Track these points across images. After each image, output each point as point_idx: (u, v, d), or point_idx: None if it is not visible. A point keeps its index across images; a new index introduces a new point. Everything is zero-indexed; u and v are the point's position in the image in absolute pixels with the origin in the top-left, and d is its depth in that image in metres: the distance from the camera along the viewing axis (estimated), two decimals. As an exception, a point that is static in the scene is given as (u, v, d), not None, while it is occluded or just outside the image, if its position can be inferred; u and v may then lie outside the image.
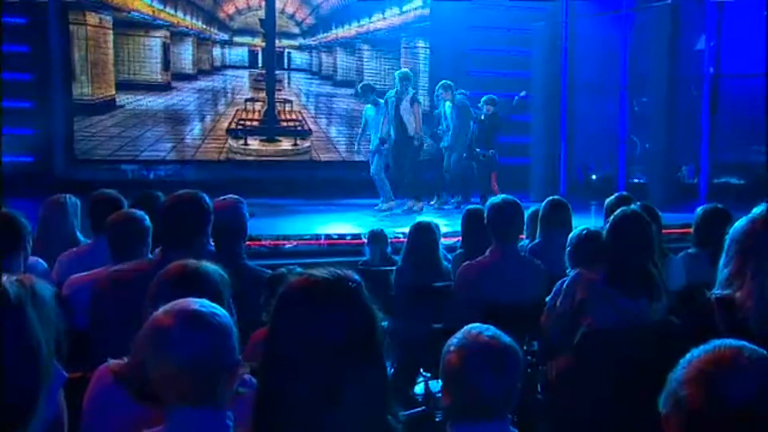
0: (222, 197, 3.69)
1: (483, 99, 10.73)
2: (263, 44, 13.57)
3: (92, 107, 12.40)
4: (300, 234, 8.41)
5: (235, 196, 3.75)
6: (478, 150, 10.80)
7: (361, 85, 11.24)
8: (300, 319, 1.61)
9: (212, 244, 3.52)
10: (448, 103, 10.88)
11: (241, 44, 13.47)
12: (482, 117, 10.69)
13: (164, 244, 3.13)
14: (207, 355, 1.69)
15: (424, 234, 4.94)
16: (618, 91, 12.97)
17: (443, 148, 11.11)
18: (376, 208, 10.78)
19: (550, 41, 13.15)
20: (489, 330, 1.94)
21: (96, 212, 4.25)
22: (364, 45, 14.21)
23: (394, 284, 4.84)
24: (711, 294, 2.50)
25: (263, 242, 7.94)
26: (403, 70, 11.36)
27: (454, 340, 1.93)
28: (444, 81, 11.26)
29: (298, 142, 13.79)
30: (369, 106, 10.93)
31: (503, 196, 4.28)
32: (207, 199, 3.23)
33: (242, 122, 13.48)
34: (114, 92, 12.55)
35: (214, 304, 1.79)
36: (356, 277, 1.66)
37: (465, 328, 1.96)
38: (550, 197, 5.25)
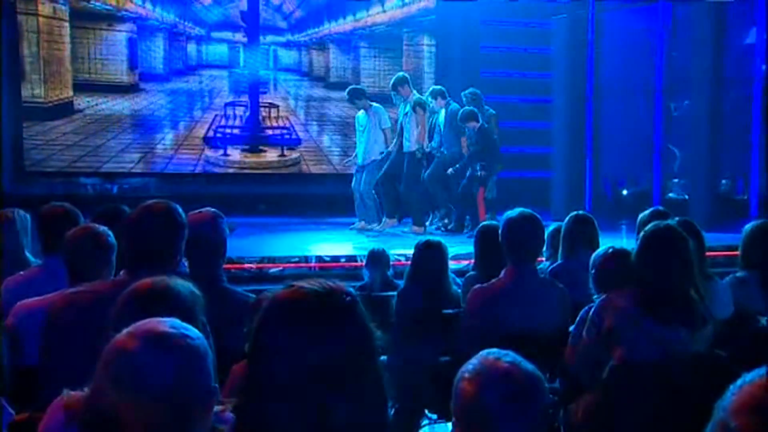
0: (197, 210, 3.70)
1: (460, 114, 10.61)
2: (245, 40, 13.64)
3: (46, 111, 12.40)
4: (287, 256, 8.42)
5: (213, 209, 3.75)
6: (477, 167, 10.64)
7: (349, 89, 11.23)
8: (287, 337, 1.60)
9: (185, 264, 3.52)
10: (442, 112, 10.83)
11: (220, 40, 13.53)
12: (470, 135, 10.52)
13: (131, 264, 3.12)
14: (178, 383, 1.67)
15: (431, 253, 4.95)
16: (653, 93, 13.00)
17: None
18: (351, 227, 10.82)
19: (573, 37, 13.21)
20: (509, 356, 1.93)
21: (48, 229, 4.20)
22: (361, 42, 14.27)
23: (395, 311, 4.84)
24: (765, 320, 2.48)
25: (246, 265, 7.96)
26: (399, 73, 11.40)
27: (468, 367, 1.91)
28: (434, 87, 11.26)
29: (286, 152, 13.82)
30: (360, 113, 10.98)
31: (520, 209, 4.26)
32: (181, 211, 3.23)
33: (221, 130, 13.51)
34: (71, 94, 12.58)
35: (185, 324, 1.78)
36: (350, 290, 1.66)
37: (481, 353, 1.95)
38: (574, 212, 5.26)
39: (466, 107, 10.61)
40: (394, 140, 10.73)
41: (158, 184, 12.67)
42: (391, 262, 6.00)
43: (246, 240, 9.28)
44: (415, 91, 10.74)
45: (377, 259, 5.83)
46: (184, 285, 2.21)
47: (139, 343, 1.68)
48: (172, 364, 1.67)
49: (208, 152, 13.38)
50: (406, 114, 10.58)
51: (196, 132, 13.33)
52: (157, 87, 13.08)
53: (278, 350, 1.60)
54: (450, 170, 10.54)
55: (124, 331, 1.74)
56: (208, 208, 3.75)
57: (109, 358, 1.70)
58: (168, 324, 1.74)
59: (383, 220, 10.72)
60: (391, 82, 10.88)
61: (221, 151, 13.48)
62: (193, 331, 1.76)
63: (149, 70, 13.05)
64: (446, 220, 10.88)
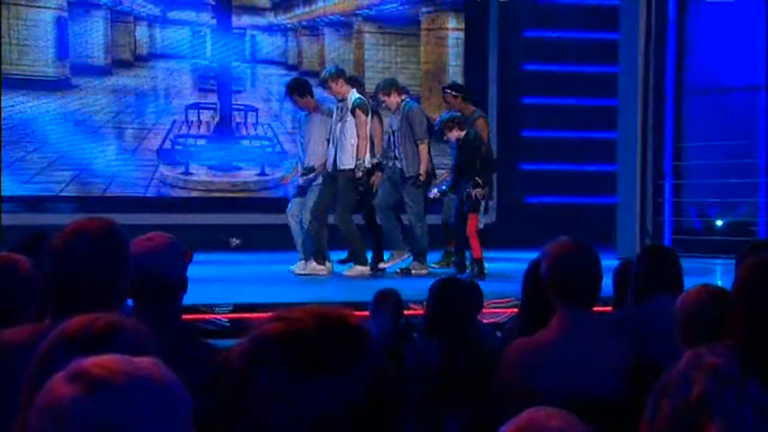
0: (145, 235, 3.70)
1: (439, 121, 10.57)
2: (214, 22, 13.72)
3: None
4: (271, 303, 8.44)
5: (165, 234, 3.75)
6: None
7: (291, 81, 11.22)
8: (282, 389, 1.60)
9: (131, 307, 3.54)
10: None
11: (180, 22, 13.62)
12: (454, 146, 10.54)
13: (57, 305, 3.12)
14: None
15: (453, 296, 4.99)
16: (758, 91, 12.97)
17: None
18: (290, 269, 10.93)
19: (648, 17, 13.23)
20: (562, 414, 1.92)
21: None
22: (366, 26, 14.37)
23: (409, 371, 4.86)
24: None
25: (215, 315, 7.96)
26: (330, 66, 11.32)
27: (509, 427, 1.90)
28: (386, 79, 11.27)
29: (267, 170, 13.85)
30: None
31: (567, 238, 4.26)
32: (123, 234, 3.23)
33: (181, 140, 13.56)
34: (-22, 91, 12.64)
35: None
36: (359, 322, 1.68)
37: (526, 411, 1.94)
38: (649, 244, 5.27)
39: (446, 114, 10.60)
40: (330, 154, 10.65)
41: (96, 212, 12.69)
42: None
43: (215, 284, 9.37)
44: (354, 90, 10.70)
45: (385, 302, 5.87)
46: (132, 324, 2.20)
47: (78, 388, 1.66)
48: (142, 413, 1.65)
49: (164, 170, 13.45)
50: (341, 119, 10.55)
51: (147, 143, 13.39)
52: (95, 83, 13.19)
53: (270, 410, 1.60)
54: (434, 191, 10.68)
55: (56, 375, 1.72)
56: (157, 233, 3.75)
57: (38, 415, 1.68)
58: (127, 361, 1.72)
59: (309, 262, 10.77)
60: (322, 75, 10.85)
61: (181, 169, 13.53)
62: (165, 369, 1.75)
63: (84, 60, 13.15)
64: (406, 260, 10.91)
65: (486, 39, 14.40)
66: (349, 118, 10.45)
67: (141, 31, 13.47)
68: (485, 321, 6.16)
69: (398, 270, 10.83)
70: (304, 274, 10.63)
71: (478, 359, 4.80)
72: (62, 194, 12.92)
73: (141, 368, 1.71)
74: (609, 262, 5.58)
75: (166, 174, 13.44)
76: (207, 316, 7.79)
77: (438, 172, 11.39)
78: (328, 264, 10.76)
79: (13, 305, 3.52)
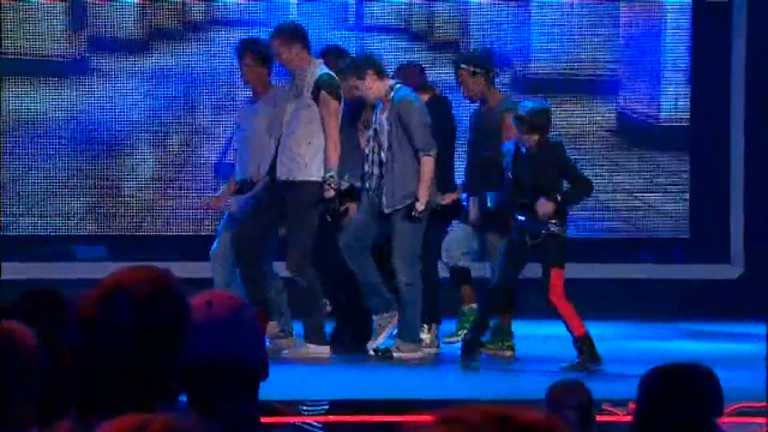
0: (202, 296, 3.76)
1: (521, 108, 10.64)
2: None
3: None
4: (388, 400, 8.48)
5: (230, 294, 3.83)
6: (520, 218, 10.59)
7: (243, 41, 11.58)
8: None
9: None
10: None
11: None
12: (523, 151, 10.60)
13: (84, 399, 3.22)
14: None
15: (678, 393, 5.04)
16: None
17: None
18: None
19: None
20: None
21: None
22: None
23: None
24: None
25: (305, 417, 8.05)
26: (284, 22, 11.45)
27: None
28: (361, 55, 11.47)
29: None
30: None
31: None
32: (184, 293, 3.28)
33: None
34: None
35: None
36: None
37: None
38: None
39: (532, 102, 10.63)
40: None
41: (124, 260, 12.86)
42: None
43: (303, 369, 9.67)
44: (320, 62, 10.90)
45: (568, 402, 5.95)
46: (194, 429, 2.25)
47: None
48: None
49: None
50: (295, 103, 10.72)
51: (201, 154, 13.58)
52: (123, 64, 13.46)
53: None
54: (474, 212, 11.06)
55: None
56: (220, 292, 3.82)
57: None
58: None
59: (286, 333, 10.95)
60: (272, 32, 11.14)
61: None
62: None
63: (108, 31, 13.36)
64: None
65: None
66: (309, 102, 10.53)
67: (191, -10, 13.73)
68: (729, 433, 6.15)
69: (375, 350, 10.84)
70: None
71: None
72: (74, 233, 13.13)
73: None
74: None
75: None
76: (290, 419, 7.86)
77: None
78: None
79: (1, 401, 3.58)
